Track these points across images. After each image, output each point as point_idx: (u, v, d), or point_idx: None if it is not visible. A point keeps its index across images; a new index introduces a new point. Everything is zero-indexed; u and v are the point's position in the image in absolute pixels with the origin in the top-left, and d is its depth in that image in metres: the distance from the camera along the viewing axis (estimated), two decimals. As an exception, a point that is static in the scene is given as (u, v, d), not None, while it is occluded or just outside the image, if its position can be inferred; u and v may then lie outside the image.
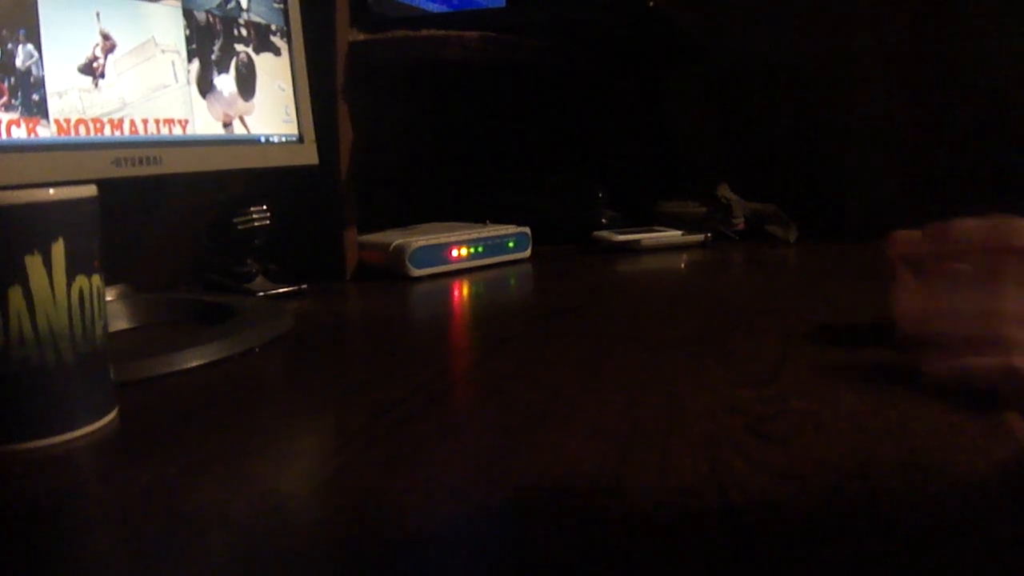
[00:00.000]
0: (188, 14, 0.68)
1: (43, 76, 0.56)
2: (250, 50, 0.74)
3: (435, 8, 1.12)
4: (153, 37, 0.65)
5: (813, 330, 0.61)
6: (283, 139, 0.78)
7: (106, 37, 0.61)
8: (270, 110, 0.76)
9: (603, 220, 1.14)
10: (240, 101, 0.73)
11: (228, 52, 0.72)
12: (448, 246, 0.89)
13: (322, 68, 0.84)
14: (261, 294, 0.77)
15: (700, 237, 1.07)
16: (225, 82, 0.72)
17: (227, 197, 0.79)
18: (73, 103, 0.58)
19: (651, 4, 1.04)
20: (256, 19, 0.75)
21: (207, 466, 0.37)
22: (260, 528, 0.30)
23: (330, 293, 0.82)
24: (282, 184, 0.85)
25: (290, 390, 0.50)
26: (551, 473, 0.35)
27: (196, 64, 0.69)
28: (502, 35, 0.94)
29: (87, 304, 0.41)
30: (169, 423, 0.43)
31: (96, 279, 0.42)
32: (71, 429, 0.40)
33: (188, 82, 0.68)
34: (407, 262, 0.85)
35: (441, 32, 0.90)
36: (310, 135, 0.81)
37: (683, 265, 0.96)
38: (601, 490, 0.33)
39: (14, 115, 0.54)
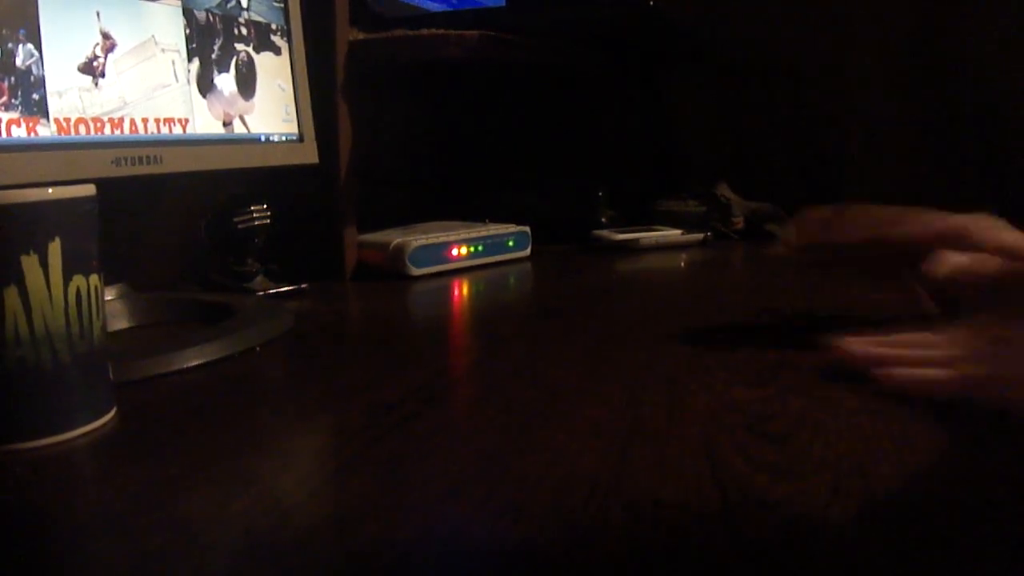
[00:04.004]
0: (188, 13, 0.68)
1: (43, 75, 0.56)
2: (250, 49, 0.74)
3: (435, 7, 1.12)
4: (153, 36, 0.65)
5: (812, 329, 0.61)
6: (283, 138, 0.78)
7: (106, 36, 0.61)
8: (270, 109, 0.76)
9: (603, 219, 1.14)
10: (240, 100, 0.73)
11: (228, 51, 0.72)
12: (448, 245, 0.89)
13: (322, 67, 0.84)
14: (261, 293, 0.77)
15: (699, 236, 1.07)
16: (225, 81, 0.72)
17: (227, 196, 0.79)
18: (73, 102, 0.58)
19: (651, 3, 1.04)
20: (256, 18, 0.75)
21: (207, 466, 0.37)
22: (260, 528, 0.30)
23: (330, 292, 0.82)
24: (282, 183, 0.85)
25: (290, 389, 0.50)
26: (551, 473, 0.35)
27: (196, 63, 0.69)
28: (502, 34, 0.94)
29: (84, 304, 0.41)
30: (169, 423, 0.43)
31: (94, 279, 0.42)
32: (69, 429, 0.40)
33: (188, 81, 0.68)
34: (407, 261, 0.85)
35: (441, 31, 0.90)
36: (310, 134, 0.81)
37: (682, 264, 0.96)
38: (601, 490, 0.33)
39: (14, 114, 0.54)
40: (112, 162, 0.61)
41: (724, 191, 1.13)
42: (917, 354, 0.44)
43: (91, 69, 0.60)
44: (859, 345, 0.46)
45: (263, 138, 0.76)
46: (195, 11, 0.68)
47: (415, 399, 0.46)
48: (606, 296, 0.78)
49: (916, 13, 1.13)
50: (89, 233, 0.41)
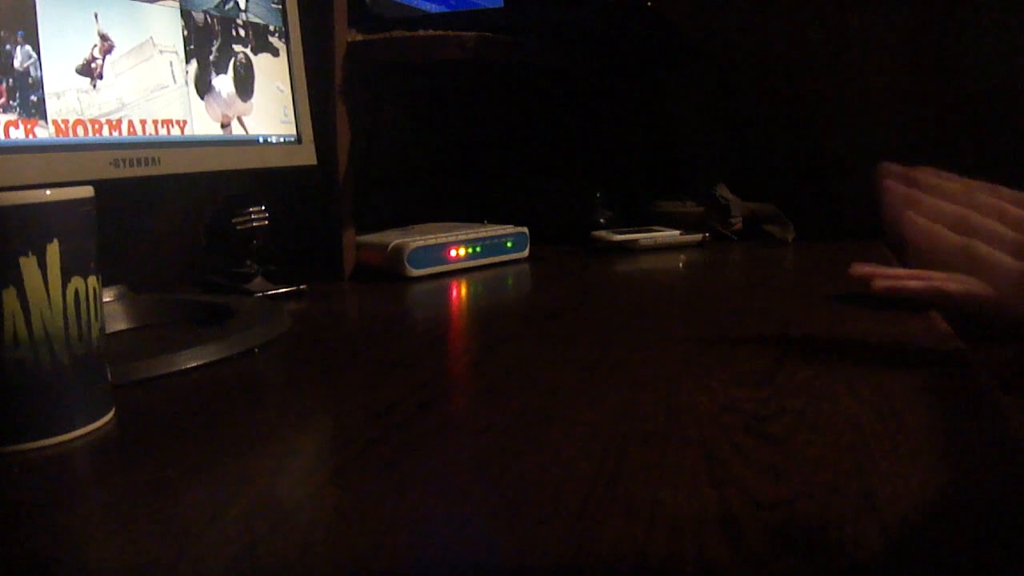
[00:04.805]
0: (186, 15, 0.68)
1: (41, 77, 0.56)
2: (248, 51, 0.74)
3: (433, 8, 1.12)
4: (151, 38, 0.65)
5: (810, 330, 0.61)
6: (281, 139, 0.78)
7: (104, 38, 0.61)
8: (268, 111, 0.76)
9: (601, 220, 1.14)
10: (238, 102, 0.73)
11: (226, 53, 0.72)
12: (446, 246, 0.89)
13: (320, 68, 0.84)
14: (259, 295, 0.77)
15: (698, 237, 1.07)
16: (223, 83, 0.72)
17: (225, 198, 0.79)
18: (71, 104, 0.58)
19: (649, 4, 1.04)
20: (254, 19, 0.75)
21: (205, 467, 0.37)
22: (258, 529, 0.30)
23: (328, 293, 0.82)
24: (280, 185, 0.85)
25: (288, 391, 0.50)
26: (550, 473, 0.35)
27: (194, 65, 0.69)
28: (500, 35, 0.94)
29: (83, 305, 0.41)
30: (167, 424, 0.43)
31: (92, 280, 0.42)
32: (68, 430, 0.40)
33: (186, 83, 0.68)
34: (405, 262, 0.85)
35: (439, 32, 0.90)
36: (308, 135, 0.81)
37: (681, 265, 0.96)
38: (599, 490, 0.33)
39: (12, 116, 0.54)
40: (110, 164, 0.61)
41: (723, 192, 1.13)
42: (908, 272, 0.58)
43: (89, 71, 0.60)
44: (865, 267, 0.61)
45: (261, 139, 0.76)
46: (193, 12, 0.69)
47: (414, 400, 0.46)
48: (604, 297, 0.79)
49: (915, 14, 1.13)
50: (87, 235, 0.42)
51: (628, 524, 0.30)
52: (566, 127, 1.38)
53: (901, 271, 0.61)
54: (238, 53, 0.73)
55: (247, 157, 0.75)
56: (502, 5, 1.20)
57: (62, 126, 0.58)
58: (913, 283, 0.57)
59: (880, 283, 0.59)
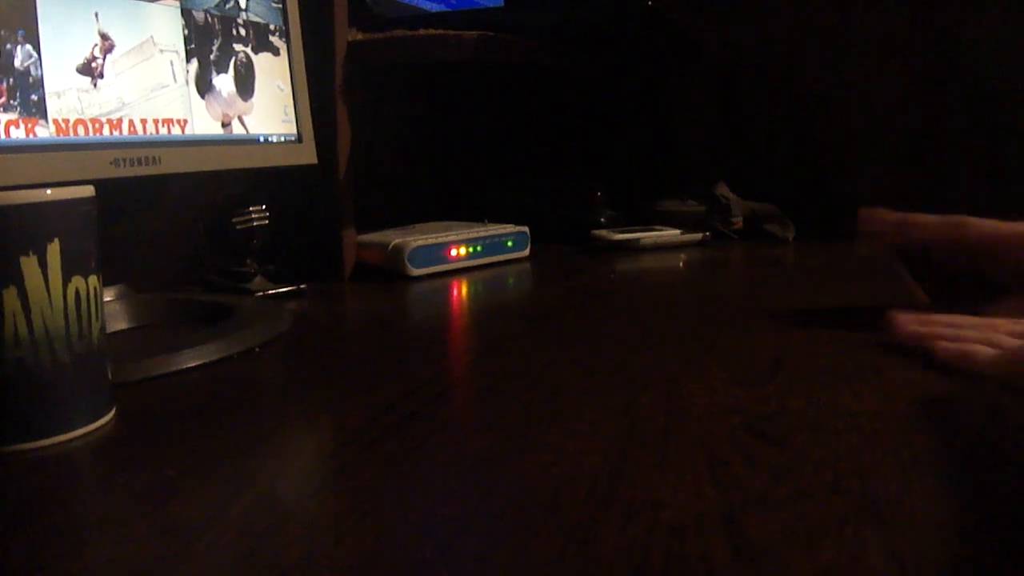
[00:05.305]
0: (187, 14, 0.68)
1: (41, 76, 0.56)
2: (249, 50, 0.74)
3: (434, 8, 1.12)
4: (152, 37, 0.65)
5: (811, 329, 0.61)
6: (282, 139, 0.78)
7: (105, 37, 0.61)
8: (269, 110, 0.76)
9: (602, 219, 1.14)
10: (239, 101, 0.73)
11: (227, 52, 0.72)
12: (447, 245, 0.89)
13: (321, 68, 0.84)
14: (260, 294, 0.77)
15: (698, 236, 1.07)
16: (224, 82, 0.72)
17: (226, 197, 0.79)
18: (72, 103, 0.58)
19: (650, 3, 1.04)
20: (255, 19, 0.75)
21: (206, 467, 0.37)
22: (259, 530, 0.30)
23: (329, 293, 0.82)
24: (281, 184, 0.85)
25: (289, 390, 0.50)
26: (550, 473, 0.35)
27: (195, 64, 0.69)
28: (500, 35, 0.94)
29: (83, 305, 0.41)
30: (167, 424, 0.43)
31: (93, 280, 0.42)
32: (68, 430, 0.40)
33: (187, 82, 0.68)
34: (406, 261, 0.85)
35: (439, 32, 0.90)
36: (309, 135, 0.81)
37: (681, 264, 0.96)
38: (599, 490, 0.33)
39: (12, 115, 0.54)
40: (111, 163, 0.61)
41: (723, 191, 1.13)
42: (966, 333, 0.48)
43: (90, 70, 0.60)
44: (910, 323, 0.51)
45: (262, 139, 0.76)
46: (193, 12, 0.68)
47: (415, 399, 0.46)
48: (605, 296, 0.79)
49: (915, 13, 1.13)
50: (88, 234, 0.42)
51: (628, 524, 0.30)
52: (566, 127, 1.38)
53: (961, 324, 0.50)
54: (239, 52, 0.73)
55: (248, 156, 0.75)
56: (502, 5, 1.20)
57: (62, 125, 0.58)
58: (984, 350, 0.47)
59: (945, 347, 0.48)
